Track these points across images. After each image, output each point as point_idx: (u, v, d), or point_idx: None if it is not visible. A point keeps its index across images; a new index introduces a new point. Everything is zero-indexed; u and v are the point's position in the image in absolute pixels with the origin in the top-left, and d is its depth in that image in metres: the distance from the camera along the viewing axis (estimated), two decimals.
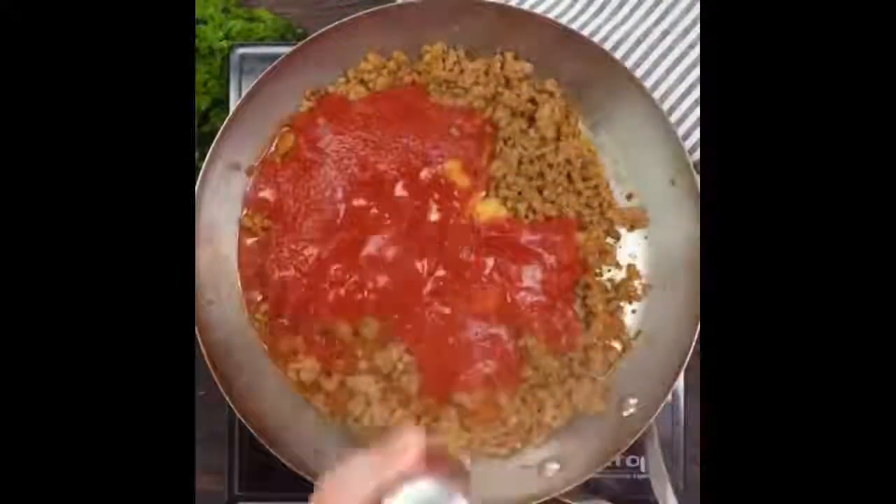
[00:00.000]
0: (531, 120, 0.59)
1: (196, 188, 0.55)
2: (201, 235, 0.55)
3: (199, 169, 0.55)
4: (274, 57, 0.56)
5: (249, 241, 0.58)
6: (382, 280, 0.57)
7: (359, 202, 0.58)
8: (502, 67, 0.59)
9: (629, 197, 0.60)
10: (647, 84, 0.59)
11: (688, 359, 0.53)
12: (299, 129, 0.59)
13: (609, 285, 0.58)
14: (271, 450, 0.52)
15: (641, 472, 0.57)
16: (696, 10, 0.60)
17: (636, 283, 0.58)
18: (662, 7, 0.61)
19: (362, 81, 0.59)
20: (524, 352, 0.56)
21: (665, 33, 0.61)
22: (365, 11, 0.56)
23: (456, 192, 0.58)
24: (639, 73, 0.60)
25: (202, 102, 0.65)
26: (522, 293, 0.57)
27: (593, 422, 0.56)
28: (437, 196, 0.58)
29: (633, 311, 0.59)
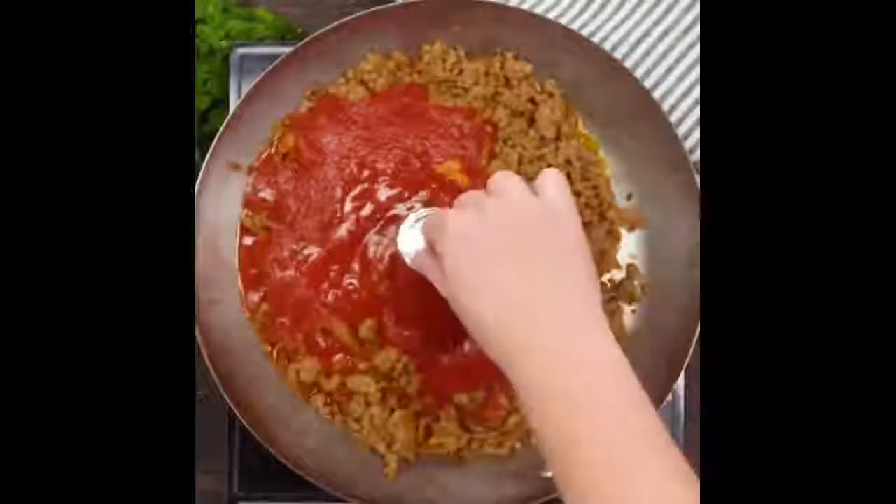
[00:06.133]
0: (531, 120, 0.59)
1: (196, 188, 0.55)
2: (201, 235, 0.55)
3: (199, 169, 0.55)
4: (274, 57, 0.56)
5: (249, 241, 0.58)
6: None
7: (358, 202, 0.58)
8: (502, 67, 0.59)
9: (629, 197, 0.60)
10: (647, 84, 0.59)
11: (688, 359, 0.53)
12: (299, 129, 0.59)
13: (609, 285, 0.58)
14: (271, 449, 0.52)
15: None
16: (696, 9, 0.60)
17: (636, 283, 0.58)
18: (662, 7, 0.61)
19: (362, 81, 0.59)
20: None
21: (665, 33, 0.61)
22: (365, 11, 0.56)
23: (456, 193, 0.58)
24: (639, 73, 0.60)
25: (202, 102, 0.65)
26: None
27: None
28: None
29: (633, 311, 0.59)
